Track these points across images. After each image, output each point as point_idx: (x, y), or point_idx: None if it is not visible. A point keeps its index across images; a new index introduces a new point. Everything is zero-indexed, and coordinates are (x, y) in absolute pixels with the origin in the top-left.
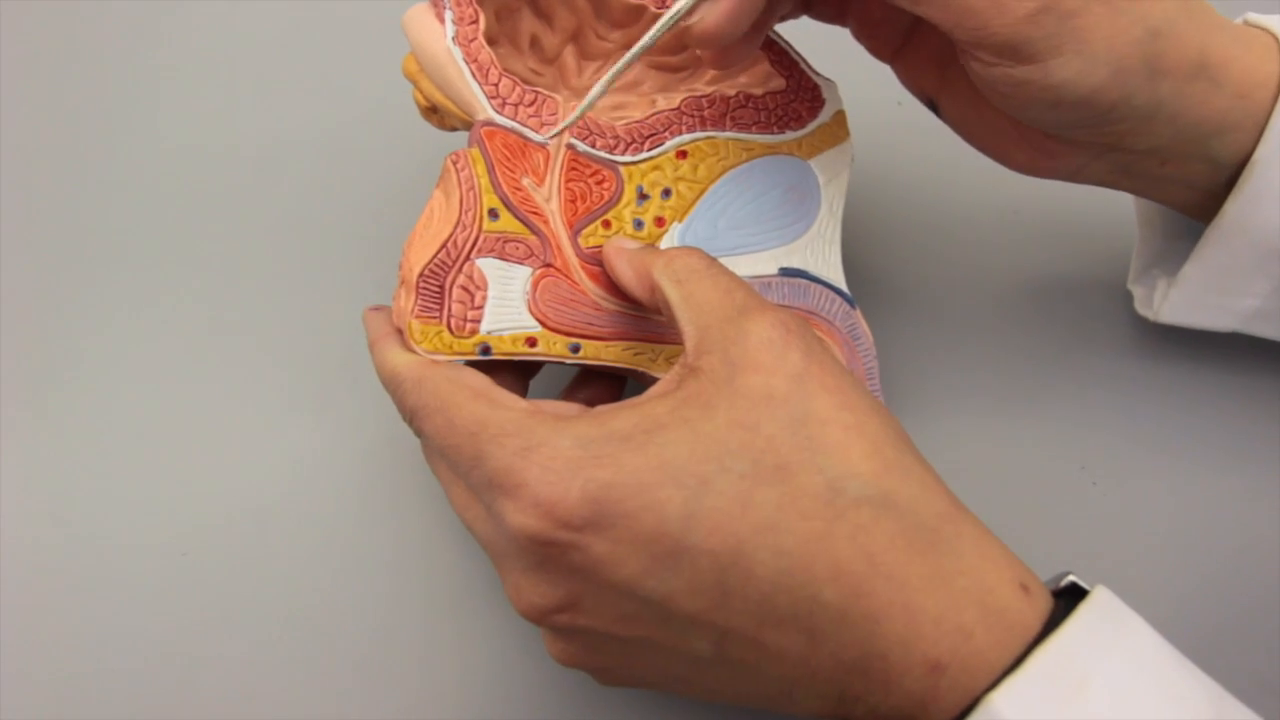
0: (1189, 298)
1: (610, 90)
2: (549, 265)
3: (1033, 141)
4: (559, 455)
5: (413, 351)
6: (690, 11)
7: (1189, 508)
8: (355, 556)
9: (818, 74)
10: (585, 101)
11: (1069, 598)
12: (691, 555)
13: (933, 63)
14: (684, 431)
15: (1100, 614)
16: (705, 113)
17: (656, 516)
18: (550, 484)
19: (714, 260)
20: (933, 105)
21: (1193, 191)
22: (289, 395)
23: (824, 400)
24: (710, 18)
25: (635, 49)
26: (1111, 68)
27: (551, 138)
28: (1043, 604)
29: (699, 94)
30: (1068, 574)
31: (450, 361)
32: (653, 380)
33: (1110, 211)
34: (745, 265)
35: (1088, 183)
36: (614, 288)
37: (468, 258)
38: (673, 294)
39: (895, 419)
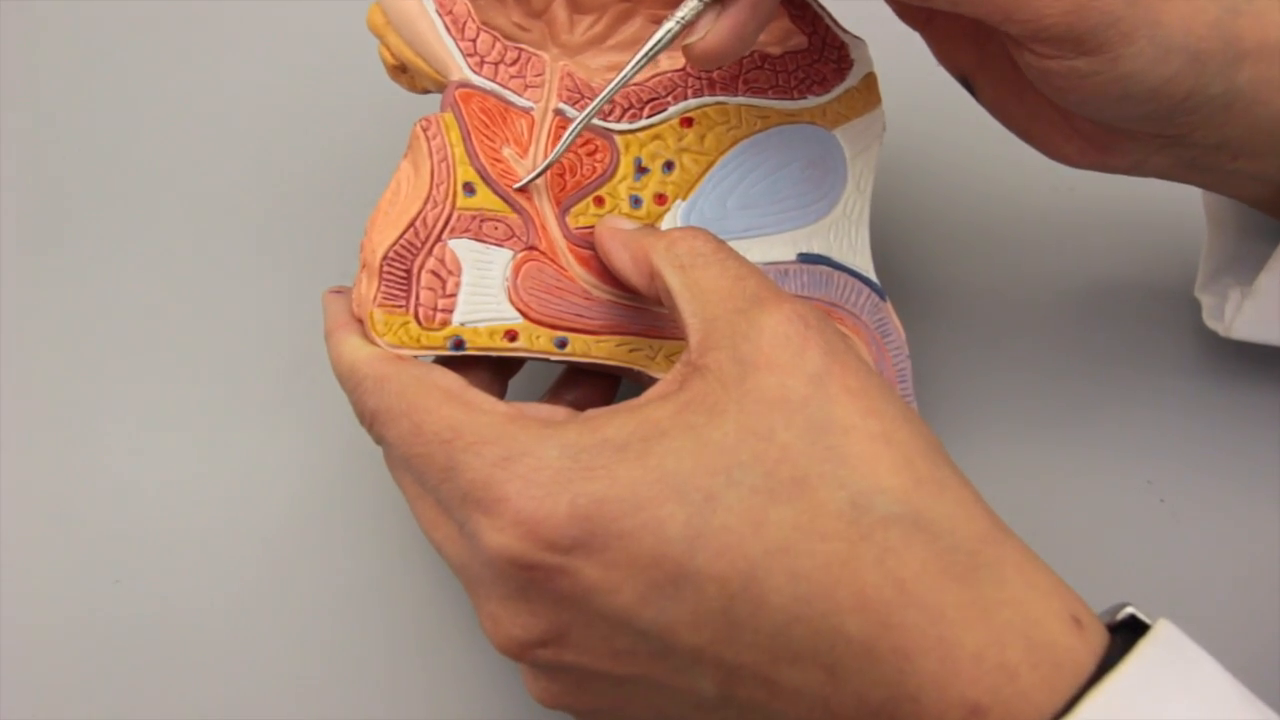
0: (1266, 311)
1: (607, 49)
2: (532, 248)
3: (1084, 133)
4: (544, 466)
5: (374, 344)
6: (690, 26)
7: (1271, 532)
8: (310, 583)
9: (845, 31)
10: (562, 142)
11: (1127, 632)
12: (696, 581)
13: (969, 36)
14: (687, 439)
15: (1163, 651)
16: (714, 75)
17: (656, 537)
18: (534, 499)
19: (722, 243)
20: (968, 84)
21: (1267, 186)
22: (235, 396)
23: (847, 405)
24: (714, 36)
25: (621, 75)
26: (1188, 53)
27: (518, 189)
28: (1097, 639)
29: None
30: (1125, 605)
31: (417, 358)
32: (651, 381)
33: (1182, 198)
34: (759, 250)
35: (1146, 176)
36: (607, 274)
37: (439, 238)
38: (674, 281)
39: (928, 428)
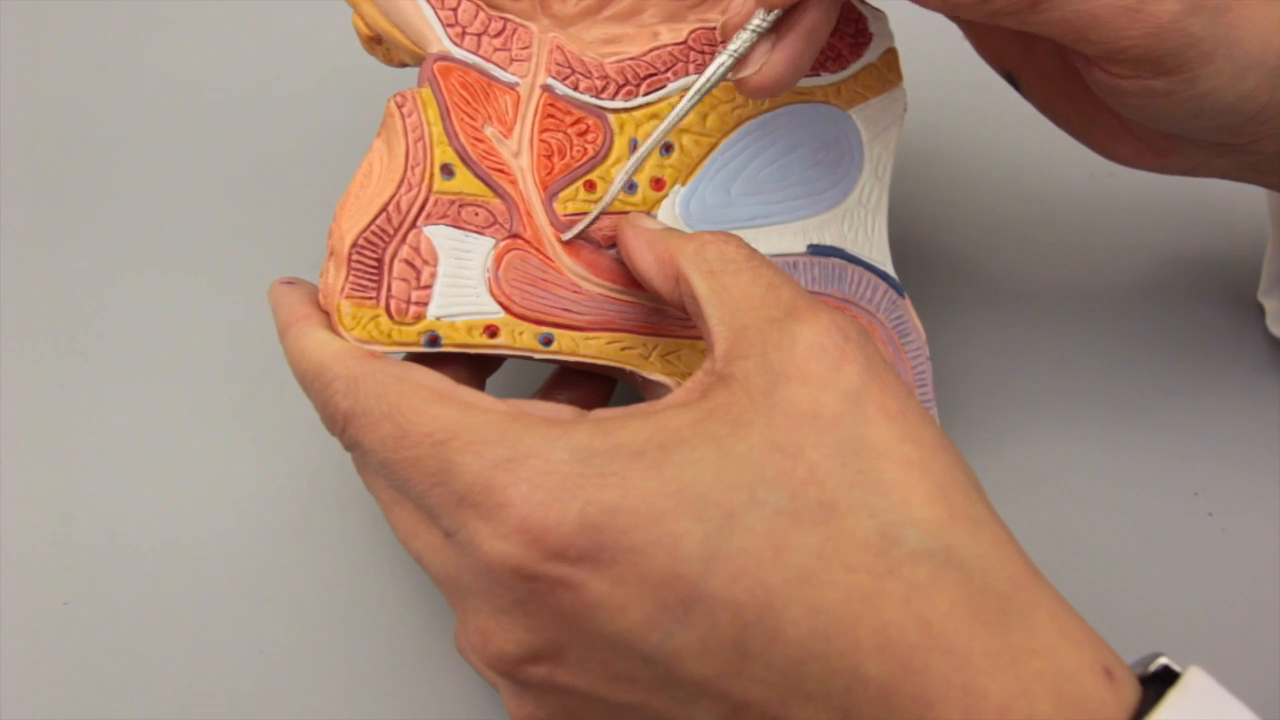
0: None
1: (603, 21)
2: (516, 236)
3: (1141, 137)
4: (553, 470)
5: (341, 339)
6: (744, 59)
7: None
8: (277, 600)
9: (864, 2)
10: (610, 191)
11: (1160, 685)
12: (708, 606)
13: (1014, 32)
14: (709, 451)
15: (1192, 701)
16: (719, 47)
17: (669, 554)
18: (541, 504)
19: (755, 251)
20: (1012, 80)
21: None
22: (197, 401)
23: (883, 427)
24: (770, 70)
25: (676, 111)
26: (1266, 68)
27: (567, 239)
28: (1129, 693)
29: (712, 25)
30: (1159, 655)
31: (387, 355)
32: (644, 382)
33: (1239, 186)
34: (765, 241)
35: (1205, 177)
36: (597, 265)
37: (413, 225)
38: (702, 287)
39: (965, 461)
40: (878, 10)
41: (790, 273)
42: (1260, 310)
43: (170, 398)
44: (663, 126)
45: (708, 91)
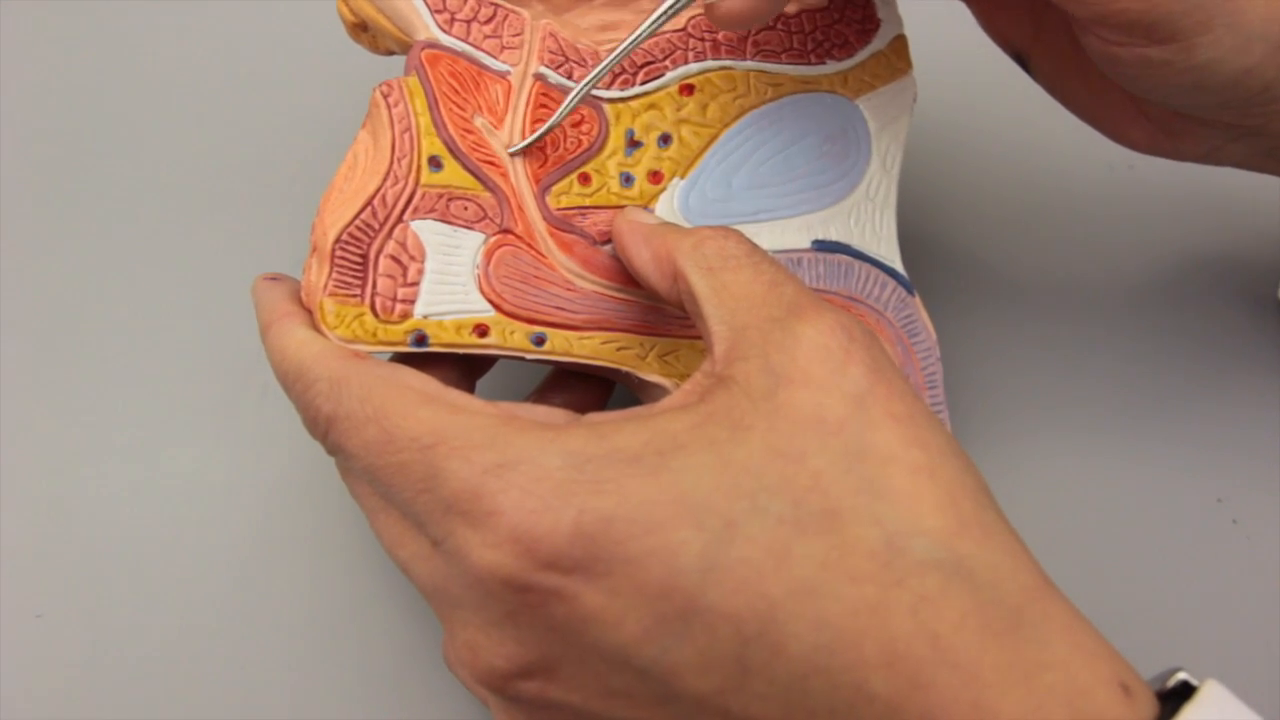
0: None
1: (599, 6)
2: (507, 231)
3: (1154, 119)
4: (545, 476)
5: (324, 338)
6: None
7: None
8: (259, 616)
9: None
10: (561, 108)
11: (1178, 700)
12: (707, 618)
13: (1024, 7)
14: (708, 457)
15: (1209, 715)
16: (719, 36)
17: (667, 565)
18: (533, 512)
19: (757, 246)
20: (1022, 61)
21: None
22: (175, 403)
23: (890, 431)
24: None
25: (635, 33)
26: (1270, 43)
27: (514, 152)
28: (1147, 709)
29: None
30: (1177, 670)
31: (372, 354)
32: (641, 384)
33: (1260, 181)
34: (769, 236)
35: (1221, 164)
36: (592, 262)
37: (400, 219)
38: (700, 284)
39: (975, 466)
40: None
41: (794, 269)
42: (1276, 299)
43: (148, 399)
44: (624, 45)
45: (673, 15)
